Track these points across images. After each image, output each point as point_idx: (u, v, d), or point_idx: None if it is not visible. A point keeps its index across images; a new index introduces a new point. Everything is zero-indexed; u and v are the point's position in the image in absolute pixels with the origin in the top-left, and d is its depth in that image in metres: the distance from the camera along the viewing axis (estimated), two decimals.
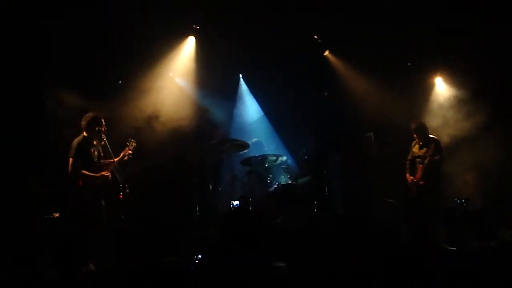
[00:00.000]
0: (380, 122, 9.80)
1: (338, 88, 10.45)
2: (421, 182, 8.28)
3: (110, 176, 6.98)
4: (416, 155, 8.50)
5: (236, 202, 8.71)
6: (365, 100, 9.88)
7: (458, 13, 8.51)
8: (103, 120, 7.10)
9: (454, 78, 9.74)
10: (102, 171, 6.98)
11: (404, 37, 9.24)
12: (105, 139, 7.00)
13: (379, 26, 9.12)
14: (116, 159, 7.06)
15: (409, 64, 10.05)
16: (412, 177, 8.46)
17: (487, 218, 7.59)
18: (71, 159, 6.75)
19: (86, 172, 6.78)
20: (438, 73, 10.06)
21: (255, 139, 9.94)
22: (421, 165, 8.34)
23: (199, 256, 7.17)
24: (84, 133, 6.98)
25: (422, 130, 8.49)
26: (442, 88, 10.04)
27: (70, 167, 6.74)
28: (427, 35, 9.09)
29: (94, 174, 6.84)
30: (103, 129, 7.04)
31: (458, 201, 8.51)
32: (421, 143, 8.47)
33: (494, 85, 8.91)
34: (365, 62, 9.82)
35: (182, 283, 3.42)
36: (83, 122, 7.00)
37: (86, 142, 6.93)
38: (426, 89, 10.12)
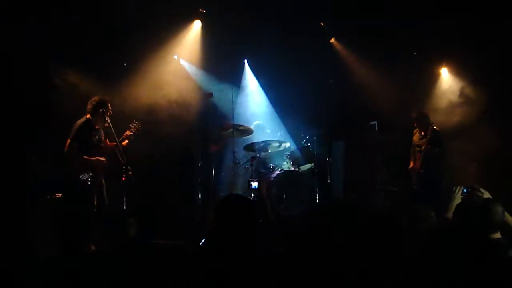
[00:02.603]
0: (384, 111, 9.78)
1: (343, 76, 10.42)
2: (421, 170, 8.33)
3: (105, 160, 7.03)
4: (416, 143, 8.54)
5: (255, 184, 8.69)
6: (370, 88, 9.85)
7: (464, 2, 8.49)
8: (109, 104, 7.13)
9: (459, 68, 9.71)
10: (101, 155, 7.03)
11: (411, 26, 9.19)
12: (109, 121, 7.04)
13: (386, 14, 9.09)
14: (117, 142, 7.10)
15: (415, 53, 10.01)
16: (412, 164, 8.50)
17: (494, 208, 7.57)
18: (68, 140, 6.84)
19: (82, 155, 6.83)
20: (443, 63, 10.03)
21: (257, 122, 9.93)
22: (419, 154, 8.38)
23: (202, 240, 7.23)
24: (88, 116, 7.03)
25: (423, 120, 8.51)
26: (447, 78, 10.02)
27: (66, 147, 6.83)
28: (434, 25, 9.04)
29: (89, 158, 6.88)
30: (108, 112, 7.08)
31: (465, 190, 8.51)
32: (422, 133, 8.48)
33: (499, 75, 8.88)
34: (371, 51, 9.78)
35: (184, 266, 3.44)
36: (89, 105, 7.05)
37: (88, 125, 6.98)
38: (431, 79, 10.09)
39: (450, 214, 4.91)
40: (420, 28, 9.19)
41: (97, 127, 7.10)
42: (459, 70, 9.74)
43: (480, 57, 8.85)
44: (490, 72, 8.94)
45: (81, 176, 6.81)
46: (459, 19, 8.70)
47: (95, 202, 6.93)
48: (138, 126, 7.52)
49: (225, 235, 3.21)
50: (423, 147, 8.38)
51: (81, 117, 7.04)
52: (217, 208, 3.47)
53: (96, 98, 7.11)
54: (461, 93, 9.50)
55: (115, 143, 7.11)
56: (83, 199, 6.79)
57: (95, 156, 6.97)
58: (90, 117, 7.02)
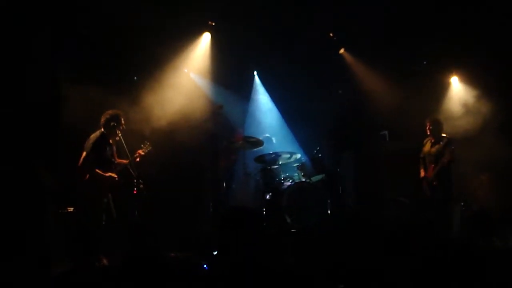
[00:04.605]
0: (394, 121, 9.75)
1: (353, 86, 10.43)
2: (434, 183, 8.19)
3: (117, 178, 6.99)
4: (428, 153, 8.42)
5: (269, 195, 8.69)
6: (380, 98, 9.84)
7: (473, 12, 8.48)
8: (122, 118, 7.12)
9: (470, 77, 9.68)
10: (113, 170, 7.01)
11: (421, 35, 9.19)
12: (120, 135, 7.03)
13: (395, 24, 9.10)
14: (129, 160, 7.11)
15: (425, 63, 9.99)
16: (424, 173, 8.39)
17: (504, 218, 7.51)
18: (84, 153, 6.79)
19: (95, 169, 6.80)
20: (454, 72, 10.01)
21: (266, 135, 9.92)
22: (433, 165, 8.25)
23: (214, 253, 7.22)
24: (103, 130, 7.01)
25: (437, 127, 8.39)
26: (457, 87, 9.98)
27: (81, 160, 6.77)
28: (444, 34, 9.04)
29: (102, 173, 6.85)
30: (121, 127, 7.07)
31: (473, 200, 8.45)
32: (433, 141, 8.38)
33: (510, 84, 8.84)
34: (380, 61, 9.78)
35: (195, 278, 3.44)
36: (102, 119, 7.02)
37: (103, 139, 6.95)
38: (442, 88, 10.06)
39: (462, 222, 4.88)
40: (430, 37, 9.18)
41: (110, 141, 7.08)
42: (470, 79, 9.70)
43: (492, 66, 8.82)
44: (502, 80, 8.91)
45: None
46: (469, 27, 8.71)
47: (105, 216, 6.91)
48: (150, 148, 7.51)
49: (229, 247, 3.22)
50: (440, 158, 8.18)
51: (93, 131, 7.04)
52: (220, 222, 3.47)
53: (109, 111, 7.07)
54: (472, 102, 9.46)
55: (128, 160, 7.11)
56: (93, 213, 6.77)
57: (108, 172, 6.94)
58: (105, 131, 7.01)
